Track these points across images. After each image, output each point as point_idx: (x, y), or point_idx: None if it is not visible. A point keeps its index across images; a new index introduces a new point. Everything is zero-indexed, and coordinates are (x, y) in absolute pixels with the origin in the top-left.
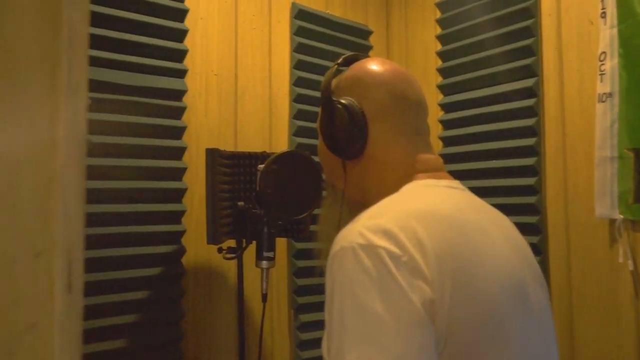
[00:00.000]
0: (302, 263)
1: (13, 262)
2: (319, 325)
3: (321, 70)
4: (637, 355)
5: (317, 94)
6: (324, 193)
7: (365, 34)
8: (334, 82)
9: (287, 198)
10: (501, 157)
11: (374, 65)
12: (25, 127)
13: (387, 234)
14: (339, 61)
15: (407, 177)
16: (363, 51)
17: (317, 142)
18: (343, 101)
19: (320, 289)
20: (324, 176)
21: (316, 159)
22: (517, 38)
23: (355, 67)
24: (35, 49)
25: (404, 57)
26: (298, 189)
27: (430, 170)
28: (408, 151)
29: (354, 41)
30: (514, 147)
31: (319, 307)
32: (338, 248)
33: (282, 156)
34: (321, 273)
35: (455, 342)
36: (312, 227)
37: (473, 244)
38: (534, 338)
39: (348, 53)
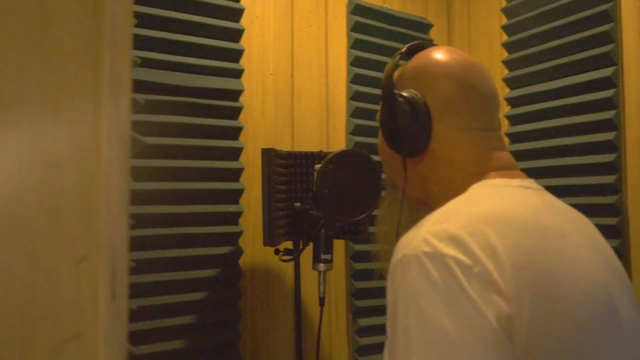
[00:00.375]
0: (360, 265)
1: (56, 268)
2: (378, 329)
3: (379, 66)
4: None
5: (376, 91)
6: (383, 192)
7: (425, 27)
8: (396, 73)
9: (344, 198)
10: (576, 153)
11: (440, 55)
12: (67, 125)
13: (456, 240)
14: (402, 50)
15: (475, 177)
16: None
17: (376, 140)
18: (405, 94)
19: (379, 292)
20: (383, 175)
21: (375, 157)
22: (593, 24)
23: (420, 56)
24: (78, 44)
25: (467, 50)
26: (356, 189)
27: (501, 169)
28: (476, 148)
29: (413, 35)
30: (591, 143)
31: (378, 311)
32: (400, 256)
33: (339, 155)
34: (380, 276)
35: None
36: (371, 229)
37: (554, 253)
38: (628, 356)
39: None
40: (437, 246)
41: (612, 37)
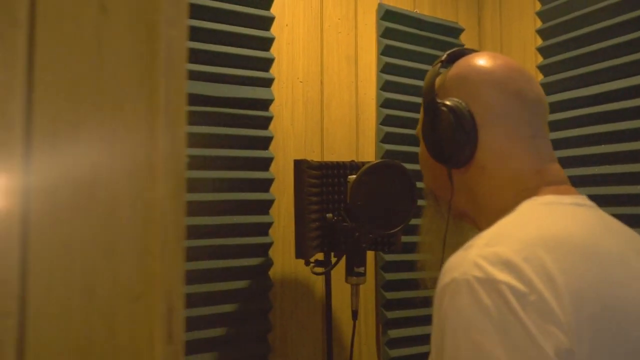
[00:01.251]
0: (391, 276)
1: (111, 308)
2: (409, 341)
3: (409, 73)
4: None
5: (406, 97)
6: (425, 203)
7: (456, 31)
8: (437, 81)
9: (379, 211)
10: (617, 162)
11: (483, 61)
12: (123, 159)
13: (510, 266)
14: (443, 57)
15: (525, 192)
16: None
17: (407, 147)
18: (448, 103)
19: (410, 303)
20: (422, 186)
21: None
22: (633, 29)
23: (462, 63)
24: (132, 73)
25: None
26: (390, 201)
27: (553, 184)
28: (526, 159)
29: (444, 40)
30: (632, 151)
31: (409, 322)
32: (449, 280)
33: (374, 167)
34: (426, 286)
35: None
36: (404, 238)
37: (616, 281)
38: None
39: (443, 52)
40: (490, 271)
41: None
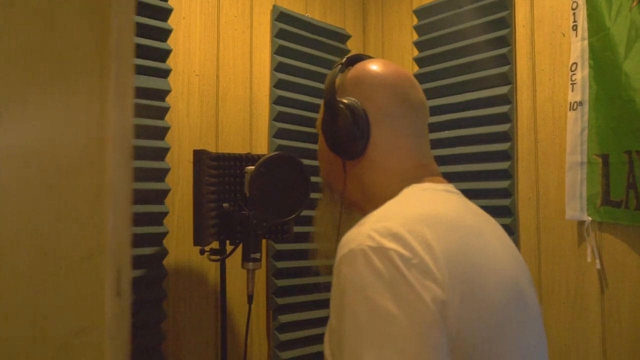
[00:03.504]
0: (281, 264)
1: (62, 265)
2: (298, 325)
3: (301, 72)
4: (602, 346)
5: (297, 96)
6: (320, 194)
7: (344, 37)
8: (337, 82)
9: (275, 200)
10: (476, 161)
11: (376, 66)
12: (75, 129)
13: (397, 237)
14: (342, 61)
15: (406, 181)
16: (341, 55)
17: (296, 143)
18: (346, 101)
19: (299, 290)
20: (317, 179)
21: (305, 160)
22: (493, 47)
23: (359, 67)
24: (84, 52)
25: None
26: (286, 191)
27: (429, 174)
28: (409, 155)
29: (333, 45)
30: (489, 152)
31: (298, 307)
32: (347, 250)
33: (272, 159)
34: (316, 272)
35: (463, 345)
36: (297, 228)
37: (476, 248)
38: (531, 339)
39: (332, 55)
40: (381, 241)
41: (508, 59)
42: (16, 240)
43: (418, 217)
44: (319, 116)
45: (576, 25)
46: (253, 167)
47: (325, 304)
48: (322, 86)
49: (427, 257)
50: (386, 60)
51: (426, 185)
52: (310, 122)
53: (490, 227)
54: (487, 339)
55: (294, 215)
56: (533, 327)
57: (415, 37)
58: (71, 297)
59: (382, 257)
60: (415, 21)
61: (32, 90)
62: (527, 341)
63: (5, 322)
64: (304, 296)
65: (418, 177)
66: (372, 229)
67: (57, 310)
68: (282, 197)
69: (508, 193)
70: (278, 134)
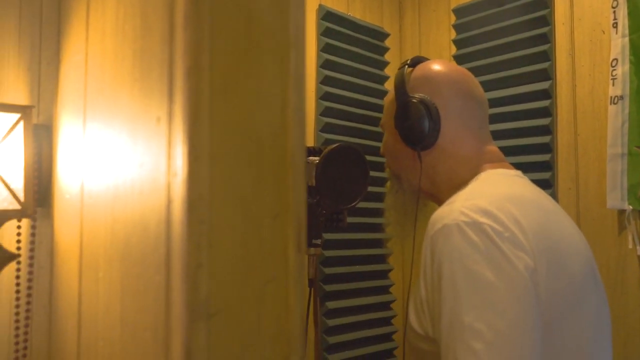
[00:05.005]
0: (329, 253)
1: (259, 223)
2: (345, 311)
3: (345, 69)
4: None
5: (342, 92)
6: (389, 185)
7: (383, 36)
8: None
9: (338, 189)
10: (517, 153)
11: (441, 67)
12: (265, 111)
13: (487, 213)
14: (408, 62)
15: (477, 168)
16: (380, 52)
17: (341, 137)
18: (418, 97)
19: (344, 278)
20: (386, 171)
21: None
22: (533, 44)
23: (424, 67)
24: (272, 43)
25: None
26: (347, 180)
27: (496, 161)
28: (476, 144)
29: (373, 42)
30: (530, 145)
31: (344, 295)
32: (441, 226)
33: (336, 149)
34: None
35: (550, 309)
36: (351, 219)
37: (555, 226)
38: (604, 313)
39: (372, 53)
40: (474, 217)
41: (548, 56)
42: (231, 204)
43: (503, 196)
44: (384, 115)
45: (616, 23)
46: (316, 158)
47: (369, 292)
48: (364, 83)
49: (517, 230)
50: (446, 61)
51: (500, 171)
52: (354, 117)
53: (560, 210)
54: (570, 308)
55: (356, 202)
56: (601, 296)
57: (454, 35)
58: (265, 250)
59: (476, 231)
60: (453, 19)
61: (240, 76)
62: (600, 309)
63: (224, 267)
64: (350, 284)
65: (490, 163)
66: (463, 207)
67: (256, 261)
68: (344, 186)
69: (549, 184)
70: (325, 128)
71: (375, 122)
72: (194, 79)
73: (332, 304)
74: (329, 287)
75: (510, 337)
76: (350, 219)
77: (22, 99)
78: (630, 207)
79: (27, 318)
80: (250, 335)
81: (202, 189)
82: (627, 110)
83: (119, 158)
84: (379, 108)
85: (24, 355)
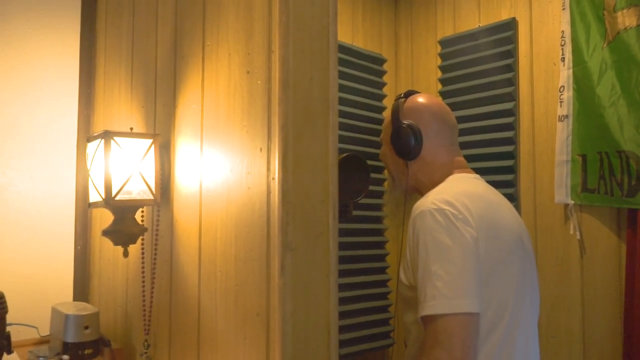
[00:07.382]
0: (340, 239)
1: (311, 205)
2: (347, 287)
3: (350, 90)
4: (582, 298)
5: (346, 108)
6: (387, 184)
7: (381, 61)
8: (399, 109)
9: (346, 187)
10: (488, 159)
11: (424, 100)
12: (316, 144)
13: (448, 202)
14: (402, 95)
15: (449, 172)
16: (379, 75)
17: (354, 147)
18: (407, 122)
19: (346, 259)
20: (385, 173)
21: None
22: (501, 72)
23: (412, 100)
24: (319, 108)
25: (410, 81)
26: (354, 181)
27: (462, 167)
28: (448, 156)
29: (372, 67)
30: (497, 152)
31: (349, 273)
32: (419, 212)
33: (346, 157)
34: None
35: (486, 264)
36: (355, 212)
37: (495, 213)
38: (528, 270)
39: (372, 77)
40: (440, 205)
41: (513, 82)
42: (302, 193)
43: (461, 192)
44: (383, 133)
45: (564, 58)
46: None
47: (364, 272)
48: (365, 100)
49: (467, 214)
50: (430, 95)
51: (463, 175)
52: (360, 130)
53: (504, 202)
54: (500, 264)
55: (360, 197)
56: (528, 259)
57: (440, 61)
58: (317, 218)
59: (441, 214)
60: (439, 49)
61: (306, 128)
62: (525, 267)
63: (298, 225)
64: (354, 265)
65: (458, 169)
66: (434, 199)
67: (313, 224)
68: (351, 185)
69: (512, 184)
70: (339, 140)
71: (374, 133)
72: (284, 130)
73: (341, 280)
74: (340, 267)
75: (459, 277)
76: (355, 212)
77: (141, 128)
78: (573, 202)
79: (153, 265)
80: (309, 261)
81: (287, 186)
82: (571, 127)
83: (232, 169)
84: (377, 121)
85: (152, 288)
